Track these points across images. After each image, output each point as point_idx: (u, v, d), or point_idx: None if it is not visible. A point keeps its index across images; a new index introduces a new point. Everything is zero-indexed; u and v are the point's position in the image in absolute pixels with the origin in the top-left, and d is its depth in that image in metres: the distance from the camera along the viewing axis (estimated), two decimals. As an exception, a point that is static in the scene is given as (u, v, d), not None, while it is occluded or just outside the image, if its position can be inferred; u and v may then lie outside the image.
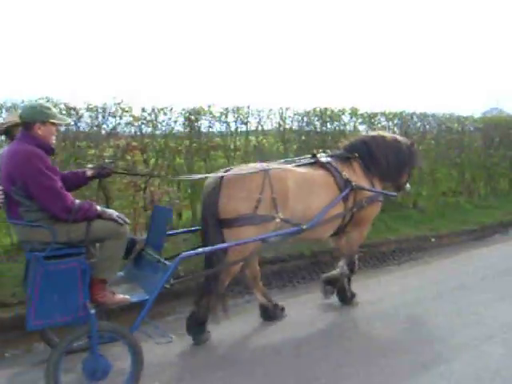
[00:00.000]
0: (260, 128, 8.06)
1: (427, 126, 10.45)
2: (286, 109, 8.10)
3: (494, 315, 4.93)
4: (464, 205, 10.34)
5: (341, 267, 5.26)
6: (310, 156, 5.17)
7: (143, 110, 7.10)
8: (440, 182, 10.28)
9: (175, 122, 7.35)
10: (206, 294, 4.34)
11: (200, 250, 4.18)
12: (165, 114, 7.22)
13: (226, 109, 7.68)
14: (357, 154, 5.22)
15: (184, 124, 7.40)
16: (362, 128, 9.20)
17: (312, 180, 4.75)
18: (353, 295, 5.39)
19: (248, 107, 7.80)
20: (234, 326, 4.74)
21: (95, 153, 6.83)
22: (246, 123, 7.88)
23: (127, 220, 3.62)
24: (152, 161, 7.29)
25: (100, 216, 3.45)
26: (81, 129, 6.84)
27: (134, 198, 6.94)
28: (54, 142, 3.53)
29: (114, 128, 6.95)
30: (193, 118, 7.42)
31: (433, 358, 4.05)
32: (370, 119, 9.25)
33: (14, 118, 3.82)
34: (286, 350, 4.27)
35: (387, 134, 5.63)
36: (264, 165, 4.58)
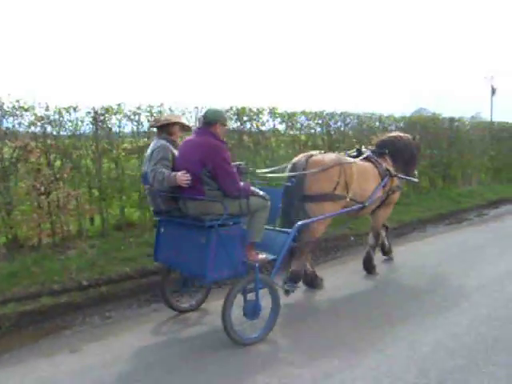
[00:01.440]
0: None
1: (349, 126, 10.49)
2: (202, 107, 7.84)
3: (402, 316, 4.90)
4: (385, 203, 10.41)
5: (370, 239, 6.60)
6: (355, 150, 6.51)
7: (47, 108, 6.67)
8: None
9: (82, 121, 6.96)
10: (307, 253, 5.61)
11: (314, 218, 5.30)
12: (70, 113, 6.82)
13: (139, 107, 7.34)
14: (387, 151, 6.59)
15: (91, 124, 7.01)
16: (281, 127, 9.10)
17: (365, 169, 6.04)
18: (374, 266, 6.50)
19: (161, 105, 7.49)
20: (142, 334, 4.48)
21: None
22: (159, 122, 7.54)
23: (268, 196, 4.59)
24: (57, 163, 6.84)
25: (253, 194, 4.41)
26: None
27: (38, 203, 6.51)
28: None
29: (13, 128, 6.49)
30: (101, 117, 7.05)
31: (336, 364, 3.91)
32: (289, 118, 9.14)
33: (172, 118, 4.81)
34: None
35: (402, 134, 7.03)
36: (335, 154, 5.85)
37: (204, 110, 4.61)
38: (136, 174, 7.21)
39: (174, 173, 4.19)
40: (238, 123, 8.36)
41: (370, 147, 6.74)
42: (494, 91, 37.58)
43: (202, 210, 4.18)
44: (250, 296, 4.34)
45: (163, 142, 4.58)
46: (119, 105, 7.14)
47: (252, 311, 4.33)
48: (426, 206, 10.63)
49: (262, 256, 4.57)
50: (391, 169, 6.44)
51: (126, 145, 7.46)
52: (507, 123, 16.56)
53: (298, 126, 9.36)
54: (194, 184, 4.15)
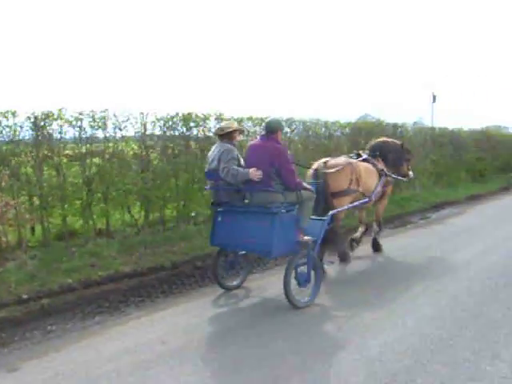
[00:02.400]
0: (119, 133, 7.59)
1: (294, 132, 10.56)
2: (147, 113, 7.71)
3: (349, 319, 4.94)
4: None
5: (374, 229, 7.98)
6: (355, 153, 7.64)
7: (-18, 113, 6.38)
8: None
9: (21, 127, 6.69)
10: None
11: (345, 207, 6.56)
12: (7, 118, 6.54)
13: (81, 113, 7.12)
14: (378, 153, 7.77)
15: (31, 130, 6.75)
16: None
17: (368, 168, 7.20)
18: (380, 245, 7.95)
19: (105, 111, 7.30)
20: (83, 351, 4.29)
21: None
22: (103, 128, 7.37)
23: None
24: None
25: (304, 187, 5.46)
26: None
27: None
28: None
29: None
30: (42, 123, 6.79)
31: (285, 370, 3.89)
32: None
33: (233, 126, 5.70)
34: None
35: (390, 140, 8.29)
36: (345, 157, 7.18)
37: (266, 120, 5.61)
38: (78, 181, 6.99)
39: (246, 169, 5.20)
40: (185, 129, 8.27)
41: (366, 151, 7.85)
42: (434, 98, 38.80)
43: (267, 199, 5.18)
44: (300, 269, 5.29)
45: (228, 145, 5.48)
46: (60, 110, 6.90)
47: (304, 280, 5.30)
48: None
49: (307, 237, 5.45)
50: (385, 169, 7.59)
51: (67, 151, 7.23)
52: (447, 128, 17.17)
53: (245, 131, 9.34)
54: (264, 179, 5.16)
